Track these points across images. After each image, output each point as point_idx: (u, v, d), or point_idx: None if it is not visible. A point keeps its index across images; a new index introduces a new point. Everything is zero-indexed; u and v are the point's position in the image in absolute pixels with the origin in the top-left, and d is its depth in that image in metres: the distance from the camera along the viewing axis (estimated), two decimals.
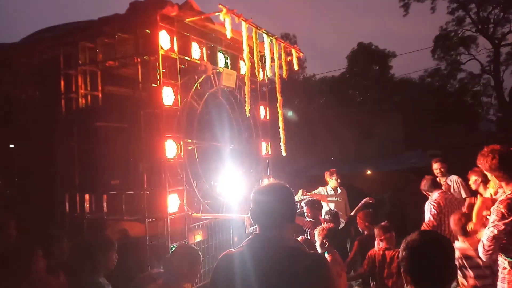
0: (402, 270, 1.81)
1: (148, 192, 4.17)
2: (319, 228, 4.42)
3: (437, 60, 27.90)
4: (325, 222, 5.75)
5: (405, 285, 1.80)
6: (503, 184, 3.14)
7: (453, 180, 6.16)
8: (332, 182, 6.75)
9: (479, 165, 3.21)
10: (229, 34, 4.15)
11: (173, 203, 4.14)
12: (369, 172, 16.02)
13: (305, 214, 5.63)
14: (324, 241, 4.29)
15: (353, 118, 21.33)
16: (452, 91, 28.82)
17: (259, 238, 2.00)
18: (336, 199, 6.65)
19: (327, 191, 6.75)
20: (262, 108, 6.03)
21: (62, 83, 4.66)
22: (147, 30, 4.24)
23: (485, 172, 3.29)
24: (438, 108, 25.30)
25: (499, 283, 3.09)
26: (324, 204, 6.37)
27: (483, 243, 3.03)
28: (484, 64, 27.01)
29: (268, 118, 6.10)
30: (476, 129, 24.74)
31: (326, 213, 5.76)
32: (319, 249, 4.30)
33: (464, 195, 6.05)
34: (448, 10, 26.25)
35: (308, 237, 5.09)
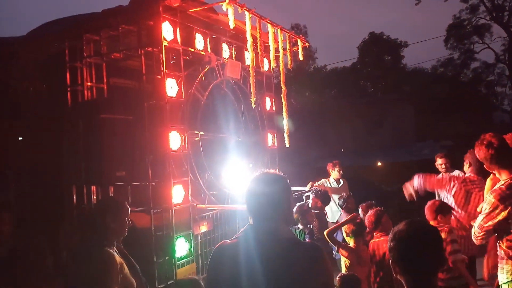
0: (391, 261, 1.81)
1: (153, 184, 4.19)
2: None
3: (450, 50, 27.61)
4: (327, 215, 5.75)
5: (394, 275, 1.80)
6: (495, 172, 3.11)
7: (457, 175, 6.04)
8: (335, 173, 6.78)
9: (476, 154, 3.18)
10: (232, 24, 4.12)
11: (177, 194, 4.17)
12: (379, 163, 15.92)
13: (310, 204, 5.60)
14: (347, 231, 4.45)
15: (363, 108, 21.18)
16: (465, 81, 28.40)
17: (254, 229, 1.99)
18: (338, 191, 6.63)
19: (329, 183, 6.75)
20: (268, 99, 6.00)
21: (68, 76, 4.69)
22: (150, 22, 4.24)
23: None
24: (451, 98, 24.98)
25: (499, 273, 3.07)
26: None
27: (474, 228, 3.04)
28: (499, 53, 26.63)
29: (274, 109, 6.07)
30: (490, 120, 24.35)
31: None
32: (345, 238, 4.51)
33: None
34: None
35: (312, 229, 5.09)
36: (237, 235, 2.06)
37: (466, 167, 5.21)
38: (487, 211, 2.95)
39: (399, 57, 31.02)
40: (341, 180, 6.87)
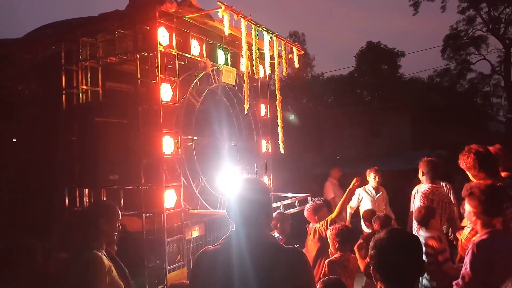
0: (371, 268, 1.83)
1: (146, 188, 4.20)
2: (331, 227, 4.22)
3: (446, 60, 27.71)
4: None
5: (375, 282, 1.81)
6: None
7: (443, 186, 5.99)
8: (371, 181, 6.58)
9: (460, 164, 3.21)
10: (227, 31, 4.16)
11: (169, 198, 4.18)
12: None
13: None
14: (335, 241, 4.10)
15: (360, 117, 21.24)
16: (461, 91, 28.56)
17: (237, 235, 2.00)
18: (376, 198, 6.52)
19: (366, 191, 6.61)
20: (263, 106, 6.03)
21: (64, 78, 4.71)
22: (146, 27, 4.27)
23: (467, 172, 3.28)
24: (447, 108, 25.10)
25: None
26: (366, 202, 6.42)
27: (462, 241, 3.05)
28: (495, 64, 26.78)
29: (269, 115, 6.10)
30: (485, 130, 24.44)
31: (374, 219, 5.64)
32: (331, 249, 4.16)
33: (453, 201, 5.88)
34: (458, 9, 26.04)
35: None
36: (220, 241, 2.05)
37: (420, 176, 5.22)
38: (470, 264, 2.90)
39: (396, 66, 31.15)
40: (379, 188, 6.55)
